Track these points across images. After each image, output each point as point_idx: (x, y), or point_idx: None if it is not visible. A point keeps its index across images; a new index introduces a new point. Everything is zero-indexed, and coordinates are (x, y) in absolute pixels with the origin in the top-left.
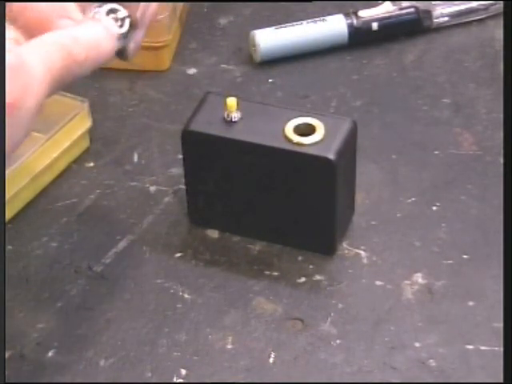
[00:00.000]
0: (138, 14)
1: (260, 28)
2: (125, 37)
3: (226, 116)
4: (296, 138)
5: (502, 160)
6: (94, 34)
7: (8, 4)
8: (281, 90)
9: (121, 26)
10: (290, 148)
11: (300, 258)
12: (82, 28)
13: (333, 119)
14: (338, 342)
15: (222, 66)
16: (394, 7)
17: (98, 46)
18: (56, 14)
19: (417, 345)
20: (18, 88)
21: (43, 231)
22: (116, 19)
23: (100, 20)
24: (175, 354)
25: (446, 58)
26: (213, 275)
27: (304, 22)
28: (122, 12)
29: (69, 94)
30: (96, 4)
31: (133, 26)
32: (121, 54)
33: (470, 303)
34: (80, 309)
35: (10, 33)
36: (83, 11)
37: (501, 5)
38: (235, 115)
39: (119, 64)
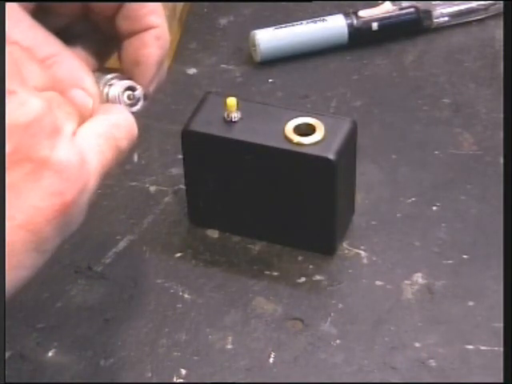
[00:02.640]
0: (151, 89)
1: (260, 28)
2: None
3: (225, 116)
4: (296, 138)
5: (502, 160)
6: (129, 121)
7: (26, 69)
8: (281, 90)
9: (135, 104)
10: (290, 148)
11: (300, 258)
12: (119, 115)
13: (333, 119)
14: (337, 342)
15: (222, 66)
16: (394, 7)
17: (132, 131)
18: (69, 83)
19: (417, 345)
20: (77, 187)
21: None
22: (131, 97)
23: (115, 96)
24: (175, 353)
25: (446, 58)
26: (213, 275)
27: (304, 22)
28: (139, 92)
29: None
30: (109, 76)
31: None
32: None
33: (470, 303)
34: (80, 309)
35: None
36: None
37: (501, 5)
38: (235, 115)
39: (119, 64)
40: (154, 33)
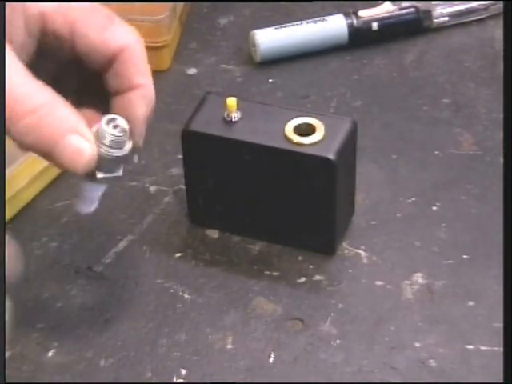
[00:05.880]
0: (141, 144)
1: (260, 28)
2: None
3: (226, 116)
4: (296, 138)
5: (502, 160)
6: None
7: (20, 120)
8: (281, 89)
9: (122, 140)
10: (290, 148)
11: (300, 258)
12: None
13: (333, 119)
14: (337, 342)
15: (222, 65)
16: (394, 7)
17: None
18: (64, 129)
19: (417, 345)
20: None
21: (43, 231)
22: (117, 126)
23: (100, 129)
24: (175, 353)
25: (446, 58)
26: (213, 275)
27: (304, 22)
28: (123, 122)
29: None
30: (106, 119)
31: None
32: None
33: (470, 303)
34: (80, 309)
35: None
36: (89, 126)
37: (501, 5)
38: (235, 115)
39: None
40: (141, 92)
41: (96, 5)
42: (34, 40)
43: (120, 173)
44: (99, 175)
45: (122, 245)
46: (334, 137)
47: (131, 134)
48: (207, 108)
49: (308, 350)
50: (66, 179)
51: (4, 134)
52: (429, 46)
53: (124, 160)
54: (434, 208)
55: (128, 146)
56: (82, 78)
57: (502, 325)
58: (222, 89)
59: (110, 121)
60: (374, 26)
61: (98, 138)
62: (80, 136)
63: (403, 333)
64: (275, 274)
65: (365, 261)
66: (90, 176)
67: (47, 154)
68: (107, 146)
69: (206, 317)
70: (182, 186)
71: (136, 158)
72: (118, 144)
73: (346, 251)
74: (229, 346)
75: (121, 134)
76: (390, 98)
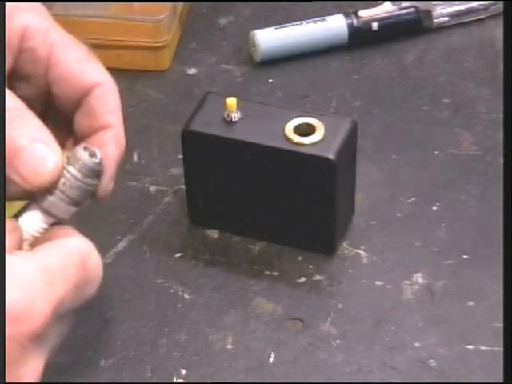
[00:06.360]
0: (110, 187)
1: (260, 28)
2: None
3: (226, 116)
4: (296, 138)
5: (501, 160)
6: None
7: None
8: (281, 89)
9: (97, 164)
10: (290, 148)
11: (300, 258)
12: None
13: (333, 119)
14: (337, 341)
15: (222, 65)
16: (394, 7)
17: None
18: (33, 136)
19: (417, 345)
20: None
21: None
22: (92, 154)
23: (76, 153)
24: (175, 354)
25: (446, 58)
26: (213, 275)
27: (304, 22)
28: (98, 153)
29: None
30: (82, 145)
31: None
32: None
33: (470, 303)
34: (80, 309)
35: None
36: (62, 144)
37: (501, 5)
38: (235, 115)
39: (119, 64)
40: (111, 132)
41: (75, 39)
42: (11, 56)
43: (70, 210)
44: (51, 198)
45: (121, 245)
46: (333, 137)
47: (102, 175)
48: (207, 108)
49: (308, 350)
50: None
51: (4, 133)
52: (429, 46)
53: (86, 195)
54: (434, 208)
55: (96, 182)
56: (50, 119)
57: (501, 325)
58: (222, 89)
59: (87, 148)
60: (374, 25)
61: (69, 162)
62: (47, 146)
63: (403, 333)
64: (275, 273)
65: (365, 261)
66: (41, 197)
67: (9, 160)
68: (78, 171)
69: (206, 317)
70: (182, 186)
71: (136, 158)
72: (89, 172)
73: (346, 251)
74: (229, 346)
75: (97, 161)
76: (390, 98)
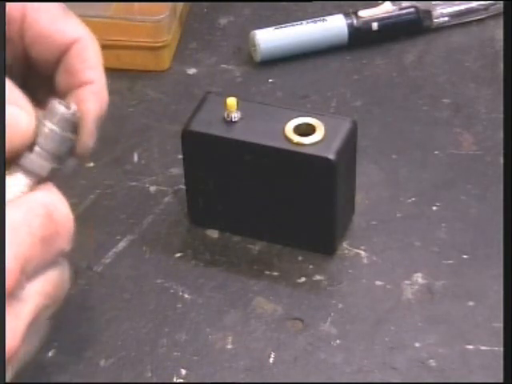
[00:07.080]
0: (90, 144)
1: (260, 28)
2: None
3: (226, 116)
4: (296, 138)
5: (501, 160)
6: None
7: None
8: (281, 89)
9: (72, 119)
10: (290, 148)
11: (300, 258)
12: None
13: (333, 119)
14: (337, 342)
15: (222, 65)
16: (394, 7)
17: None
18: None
19: (417, 345)
20: None
21: None
22: (68, 107)
23: (51, 105)
24: (175, 353)
25: (446, 58)
26: (213, 275)
27: (304, 22)
28: (73, 136)
29: None
30: (57, 99)
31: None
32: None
33: (470, 303)
34: (80, 309)
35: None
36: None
37: (501, 5)
38: (235, 115)
39: (119, 64)
40: (90, 88)
41: None
42: None
43: (51, 167)
44: (31, 156)
45: (121, 245)
46: (333, 137)
47: (80, 131)
48: (207, 108)
49: (308, 350)
50: (66, 179)
51: (4, 130)
52: (429, 46)
53: (65, 148)
54: (434, 208)
55: (73, 135)
56: (31, 79)
57: (501, 325)
58: (222, 89)
59: (61, 102)
60: (374, 26)
61: (46, 116)
62: (18, 107)
63: (403, 333)
64: (275, 273)
65: (365, 261)
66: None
67: None
68: (55, 124)
69: (206, 317)
70: (182, 186)
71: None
72: (66, 124)
73: (346, 251)
74: (229, 346)
75: (71, 112)
76: (390, 97)
